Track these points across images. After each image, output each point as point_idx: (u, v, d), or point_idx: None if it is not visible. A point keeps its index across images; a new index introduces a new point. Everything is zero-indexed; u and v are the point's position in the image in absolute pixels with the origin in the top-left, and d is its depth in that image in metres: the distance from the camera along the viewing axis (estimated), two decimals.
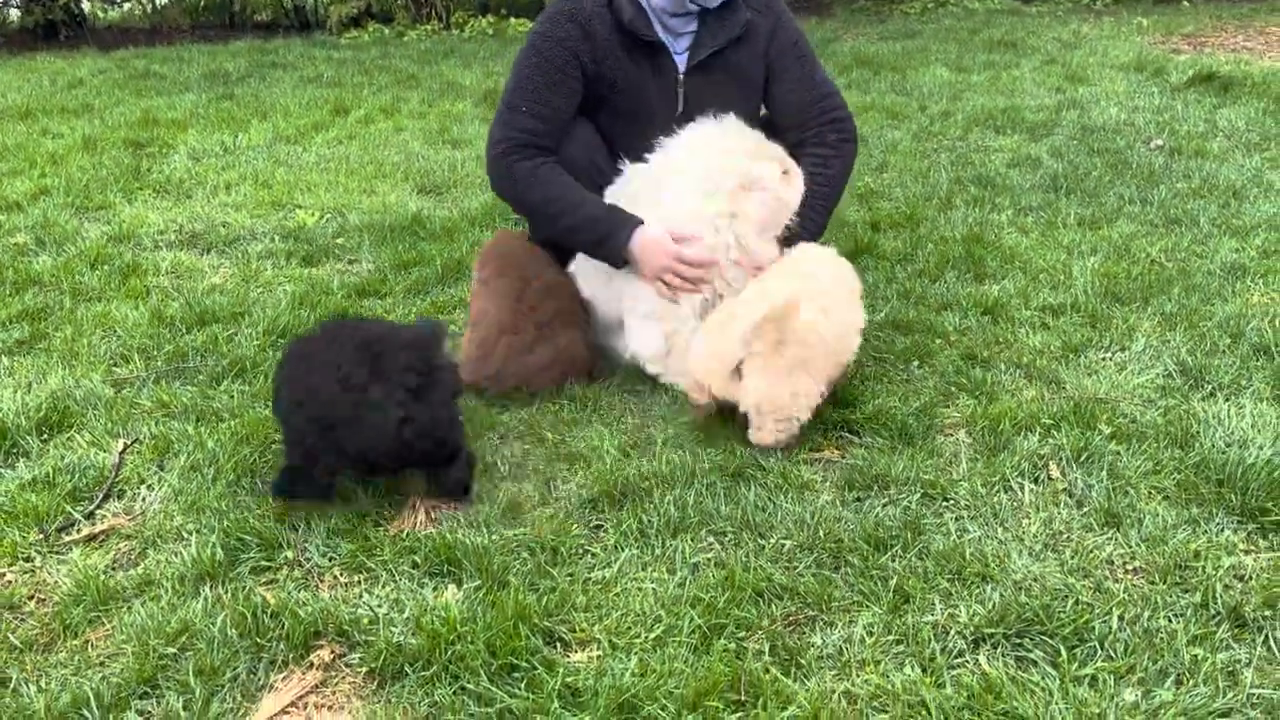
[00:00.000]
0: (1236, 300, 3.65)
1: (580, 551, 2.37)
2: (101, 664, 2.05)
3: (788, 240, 3.17)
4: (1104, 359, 3.29)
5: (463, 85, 8.09)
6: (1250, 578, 2.22)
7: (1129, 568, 2.27)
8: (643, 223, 3.03)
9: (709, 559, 2.31)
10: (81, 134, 6.48)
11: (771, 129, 3.21)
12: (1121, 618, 2.09)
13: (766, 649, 2.02)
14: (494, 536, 2.41)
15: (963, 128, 6.50)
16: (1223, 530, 2.37)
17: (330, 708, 1.95)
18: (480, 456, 2.76)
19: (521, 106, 3.14)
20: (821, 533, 2.37)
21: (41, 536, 2.46)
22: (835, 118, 3.33)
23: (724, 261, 3.04)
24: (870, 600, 2.16)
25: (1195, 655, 1.99)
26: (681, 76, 3.26)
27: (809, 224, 3.25)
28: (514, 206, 3.39)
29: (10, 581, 2.33)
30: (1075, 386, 3.09)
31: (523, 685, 1.92)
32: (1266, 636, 2.04)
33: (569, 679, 1.93)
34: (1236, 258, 4.01)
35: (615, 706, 1.85)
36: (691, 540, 2.36)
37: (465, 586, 2.22)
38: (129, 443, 2.81)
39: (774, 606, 2.14)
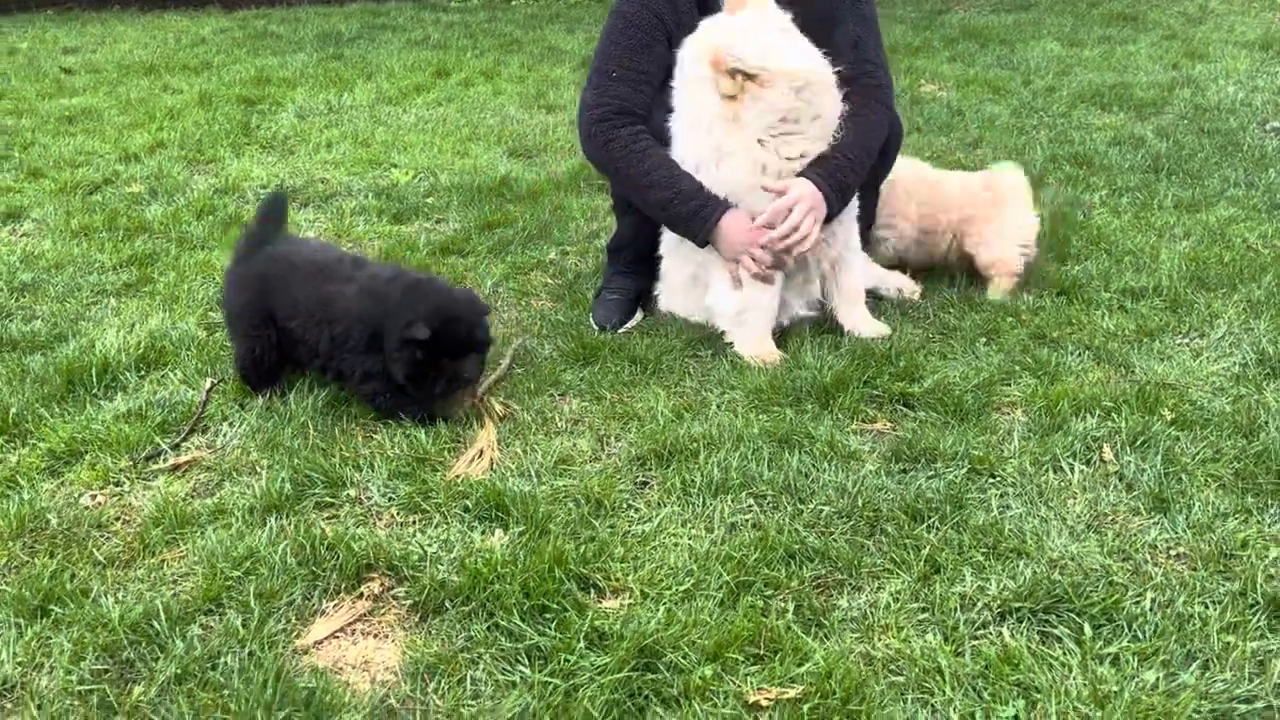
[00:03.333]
0: None
1: (624, 506, 2.45)
2: (174, 582, 2.22)
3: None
4: (1180, 344, 3.23)
5: (563, 50, 8.19)
6: None
7: (1172, 553, 2.26)
8: (731, 206, 3.10)
9: (746, 520, 2.37)
10: (199, 90, 6.77)
11: None
12: (1155, 601, 2.09)
13: (792, 608, 2.08)
14: (543, 487, 2.51)
15: (1067, 104, 6.33)
16: (1277, 522, 2.33)
17: (375, 635, 2.08)
18: (539, 412, 2.87)
19: (612, 71, 3.20)
20: (860, 501, 2.40)
21: (131, 464, 2.65)
22: (872, 84, 3.26)
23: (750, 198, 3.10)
24: (900, 568, 2.20)
25: (1227, 642, 1.98)
26: None
27: (829, 178, 3.11)
28: (604, 173, 3.46)
29: (101, 503, 2.52)
30: (1144, 371, 3.04)
31: (553, 626, 2.01)
32: None
33: (598, 623, 2.02)
34: None
35: (637, 651, 1.93)
36: (732, 501, 2.43)
37: (511, 531, 2.33)
38: (215, 382, 2.99)
39: (805, 568, 2.20)
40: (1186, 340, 3.26)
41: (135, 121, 6.08)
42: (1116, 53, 7.68)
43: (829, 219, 3.12)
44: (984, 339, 3.28)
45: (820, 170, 3.08)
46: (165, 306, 3.60)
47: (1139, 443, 2.62)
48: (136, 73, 7.47)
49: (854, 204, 3.31)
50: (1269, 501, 2.39)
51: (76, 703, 1.88)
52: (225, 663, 1.95)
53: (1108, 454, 2.60)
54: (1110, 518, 2.38)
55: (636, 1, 3.23)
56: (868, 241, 3.65)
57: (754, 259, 3.10)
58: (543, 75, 7.32)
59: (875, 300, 3.55)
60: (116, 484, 2.59)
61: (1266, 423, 2.67)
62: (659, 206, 3.18)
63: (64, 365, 3.03)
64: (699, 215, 3.10)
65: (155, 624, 2.05)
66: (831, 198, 3.08)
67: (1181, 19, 8.98)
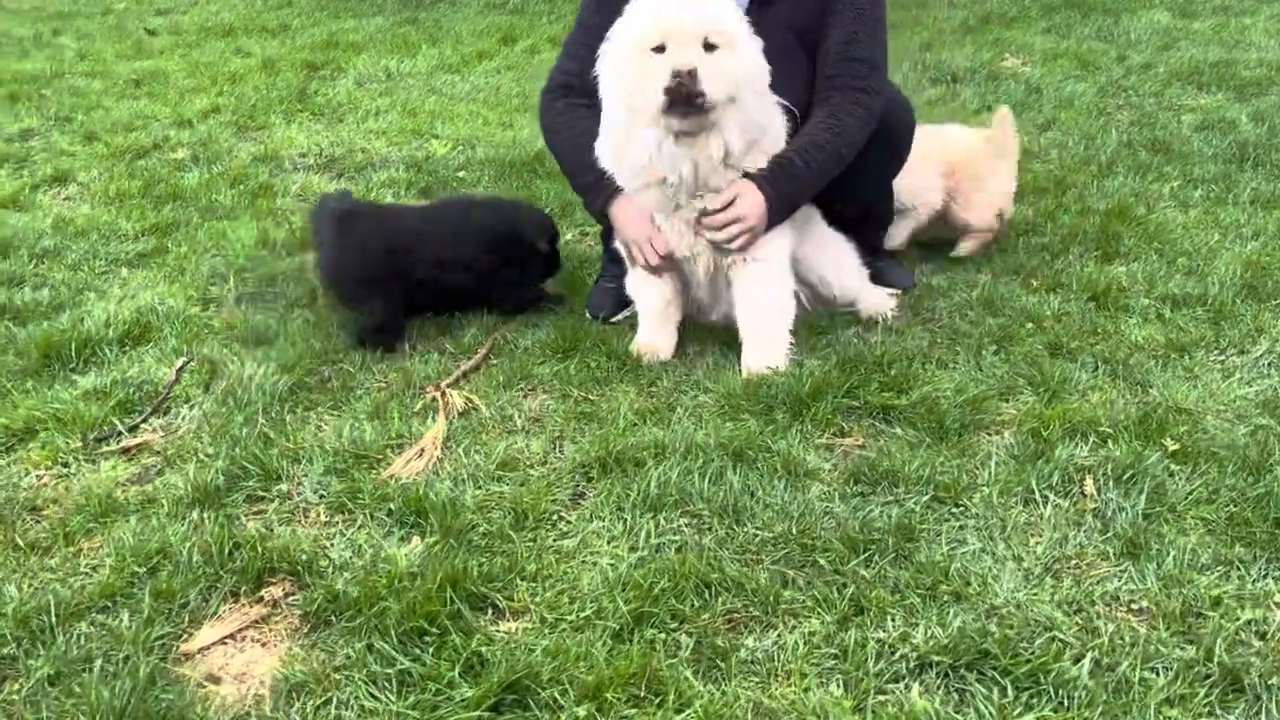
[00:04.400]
0: None
1: (553, 518, 2.34)
2: (85, 574, 2.21)
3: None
4: (1212, 362, 2.94)
5: None
6: (1273, 637, 1.94)
7: (1132, 606, 2.04)
8: (621, 191, 3.00)
9: (673, 541, 2.23)
10: (266, 55, 6.82)
11: None
12: (1097, 662, 1.88)
13: (691, 645, 1.94)
14: (478, 492, 2.42)
15: (1161, 82, 5.88)
16: (1263, 578, 2.08)
17: (263, 644, 2.03)
18: (500, 408, 2.77)
19: (571, 48, 3.14)
20: (800, 527, 2.24)
21: (82, 445, 2.65)
22: (856, 85, 3.02)
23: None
24: (822, 607, 2.03)
25: (1166, 716, 1.77)
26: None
27: (775, 174, 2.90)
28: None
29: (44, 484, 2.53)
30: (1161, 391, 2.77)
31: (431, 650, 1.92)
32: (1262, 707, 1.79)
33: (481, 648, 1.92)
34: None
35: (508, 685, 1.82)
36: (664, 519, 2.29)
37: (427, 541, 2.24)
38: (186, 362, 2.97)
39: (718, 601, 2.05)
40: (1222, 357, 2.97)
41: (198, 86, 6.17)
42: (1230, 25, 7.11)
43: (770, 228, 2.92)
44: (994, 347, 3.04)
45: (770, 177, 2.88)
46: (169, 279, 3.62)
47: (1126, 476, 2.37)
48: (215, 35, 7.58)
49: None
50: (1259, 553, 2.13)
51: None
52: (100, 665, 1.91)
53: (1089, 487, 2.37)
54: (1074, 561, 2.16)
55: None
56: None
57: (641, 251, 2.98)
58: None
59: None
60: (64, 465, 2.60)
61: (1278, 461, 2.39)
62: (569, 177, 3.21)
63: (42, 339, 3.06)
64: (592, 189, 3.05)
65: (45, 618, 2.03)
66: (775, 209, 2.90)
67: None
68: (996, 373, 2.89)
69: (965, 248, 3.73)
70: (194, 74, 6.44)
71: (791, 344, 2.99)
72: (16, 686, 1.90)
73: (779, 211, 2.90)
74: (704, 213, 2.87)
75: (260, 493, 2.45)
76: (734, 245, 2.88)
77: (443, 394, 2.81)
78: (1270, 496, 2.27)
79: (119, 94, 6.06)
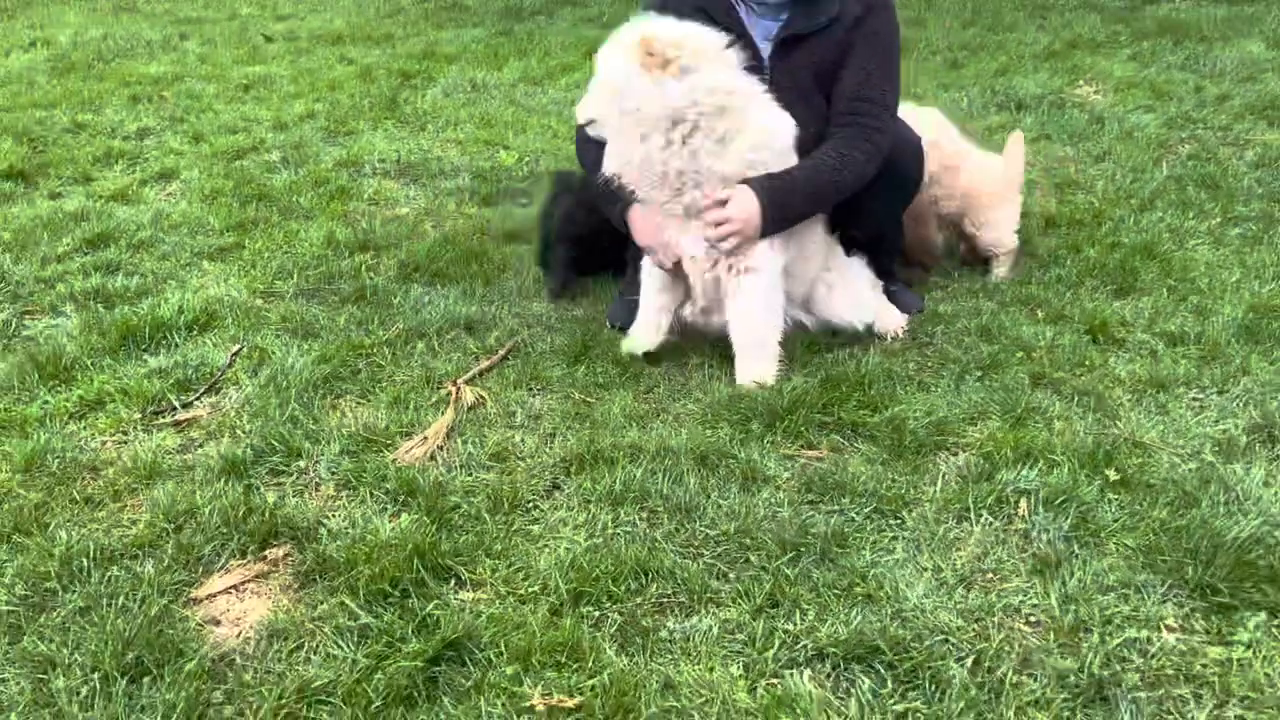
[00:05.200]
0: None
1: (528, 505, 2.62)
2: (125, 526, 2.58)
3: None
4: (1189, 399, 3.05)
5: None
6: (1153, 656, 2.10)
7: (1029, 619, 2.22)
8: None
9: (628, 533, 2.49)
10: (366, 63, 7.29)
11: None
12: (977, 664, 2.08)
13: (619, 623, 2.20)
14: (467, 478, 2.72)
15: (1232, 116, 5.85)
16: (1161, 603, 2.24)
17: (260, 595, 2.36)
18: (506, 405, 3.07)
19: None
20: (739, 528, 2.47)
21: (140, 416, 3.04)
22: (869, 126, 3.21)
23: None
24: (742, 598, 2.27)
25: (1029, 716, 1.96)
26: (765, 61, 3.28)
27: (771, 185, 3.09)
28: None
29: (106, 448, 2.92)
30: (1127, 424, 2.91)
31: (391, 610, 2.22)
32: (1117, 716, 1.96)
33: (436, 611, 2.21)
34: None
35: (450, 643, 2.11)
36: (623, 513, 2.55)
37: (413, 517, 2.55)
38: (239, 349, 3.35)
39: (652, 586, 2.30)
40: (1200, 395, 3.08)
41: (299, 91, 6.65)
42: None
43: (764, 236, 3.12)
44: (979, 373, 3.21)
45: (766, 186, 3.08)
46: (241, 273, 4.02)
47: (1059, 500, 2.54)
48: (325, 42, 8.11)
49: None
50: (1162, 580, 2.28)
51: None
52: (121, 602, 2.27)
53: (1023, 508, 2.54)
54: (988, 574, 2.35)
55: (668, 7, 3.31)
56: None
57: (654, 256, 3.24)
58: None
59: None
60: (124, 433, 2.99)
61: (1207, 498, 2.52)
62: (595, 188, 3.33)
63: (122, 322, 3.48)
64: (612, 198, 3.24)
65: (84, 560, 2.40)
66: (769, 218, 3.09)
67: None
68: (972, 398, 3.06)
69: (999, 271, 3.96)
70: (298, 80, 6.94)
71: (782, 359, 3.21)
72: (53, 615, 2.26)
73: (772, 221, 3.10)
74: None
75: (281, 467, 2.79)
76: (724, 245, 3.11)
77: (458, 389, 3.11)
78: (1188, 529, 2.40)
79: (229, 97, 6.59)
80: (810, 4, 3.23)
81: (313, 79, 6.92)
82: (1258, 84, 6.41)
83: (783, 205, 3.10)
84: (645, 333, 3.34)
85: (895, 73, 3.33)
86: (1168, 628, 2.18)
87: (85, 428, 3.01)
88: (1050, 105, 6.10)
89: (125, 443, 2.95)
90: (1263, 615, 2.18)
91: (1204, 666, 2.08)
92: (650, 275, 3.34)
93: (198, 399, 3.15)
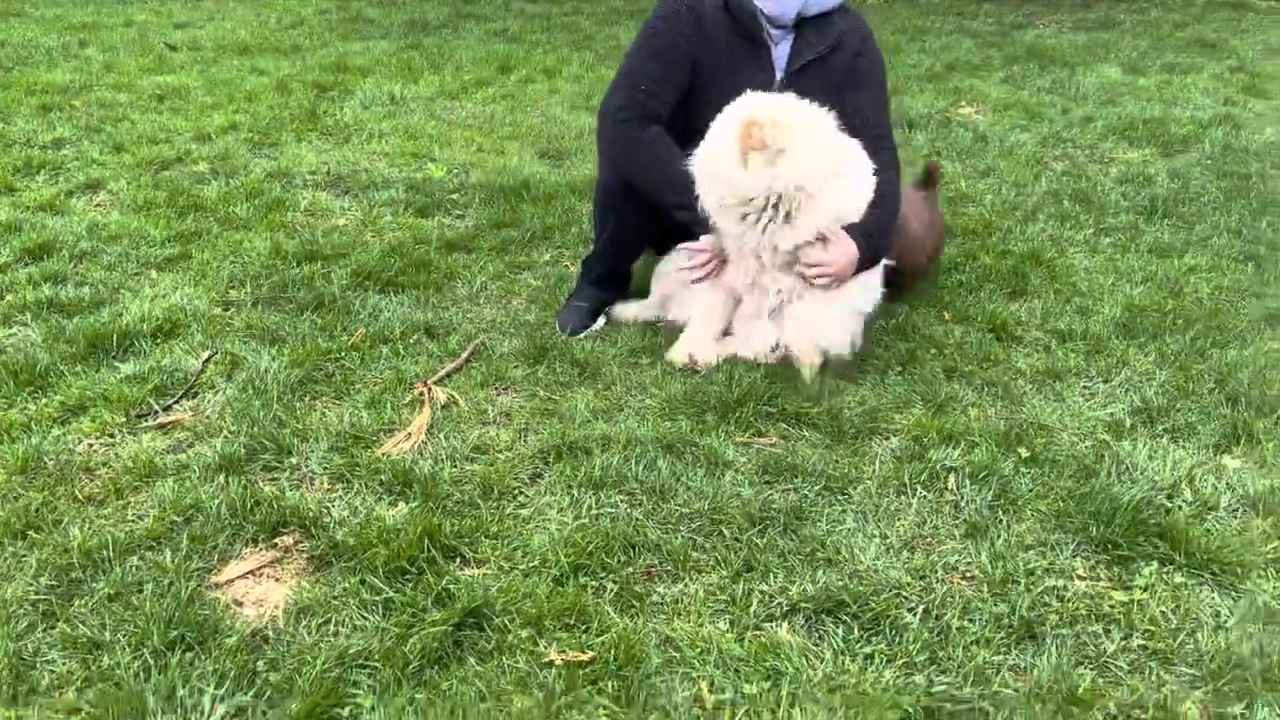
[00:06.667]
0: (1251, 348, 3.71)
1: (515, 492, 2.87)
2: (133, 521, 2.73)
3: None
4: (1080, 387, 3.49)
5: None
6: (1069, 600, 2.49)
7: (966, 575, 2.58)
8: None
9: (610, 513, 2.77)
10: (281, 74, 7.37)
11: None
12: (927, 611, 2.43)
13: (615, 590, 2.48)
14: (454, 469, 2.95)
15: (1097, 135, 6.46)
16: (1073, 557, 2.63)
17: (276, 579, 2.55)
18: (477, 404, 3.31)
19: (640, 84, 3.54)
20: (710, 505, 2.77)
21: (125, 420, 3.17)
22: (889, 155, 3.56)
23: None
24: (721, 565, 2.57)
25: (971, 654, 2.31)
26: (781, 79, 3.59)
27: (867, 229, 3.43)
28: (623, 170, 3.66)
29: (95, 450, 3.05)
30: (1030, 410, 3.32)
31: (409, 586, 2.45)
32: (1044, 649, 2.33)
33: (450, 585, 2.45)
34: None
35: (469, 612, 2.35)
36: (604, 496, 2.82)
37: (411, 504, 2.77)
38: (211, 355, 3.50)
39: (640, 558, 2.59)
40: (1089, 384, 3.52)
41: (217, 102, 6.70)
42: (1173, 84, 7.70)
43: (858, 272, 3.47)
44: (899, 368, 3.59)
45: (862, 230, 3.42)
46: (194, 282, 4.14)
47: (981, 475, 2.92)
48: (232, 52, 8.13)
49: None
50: (1071, 539, 2.68)
51: (29, 609, 2.39)
52: (148, 588, 2.44)
53: (951, 483, 2.92)
54: (928, 540, 2.71)
55: (669, 24, 3.57)
56: None
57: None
58: (599, 76, 7.71)
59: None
60: (110, 436, 3.12)
61: (1103, 470, 2.94)
62: (673, 207, 3.51)
63: (89, 330, 3.58)
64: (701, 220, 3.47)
65: (104, 553, 2.55)
66: (864, 259, 3.43)
67: (1264, 50, 8.86)
68: (897, 390, 3.44)
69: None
70: (212, 91, 6.97)
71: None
72: (84, 602, 2.42)
73: (866, 262, 3.46)
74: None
75: (274, 463, 2.97)
76: (819, 284, 3.43)
77: (429, 389, 3.33)
78: (1090, 495, 2.82)
79: (143, 107, 6.59)
80: (815, 27, 3.57)
81: (229, 90, 6.97)
82: (1117, 106, 7.07)
83: (876, 248, 3.49)
84: (702, 348, 3.59)
85: (885, 102, 3.75)
86: (1079, 577, 2.58)
87: (70, 432, 3.12)
88: (938, 124, 6.61)
89: (113, 445, 3.08)
90: (1155, 564, 2.60)
91: (1111, 607, 2.47)
92: (704, 288, 3.61)
93: (177, 403, 3.29)
